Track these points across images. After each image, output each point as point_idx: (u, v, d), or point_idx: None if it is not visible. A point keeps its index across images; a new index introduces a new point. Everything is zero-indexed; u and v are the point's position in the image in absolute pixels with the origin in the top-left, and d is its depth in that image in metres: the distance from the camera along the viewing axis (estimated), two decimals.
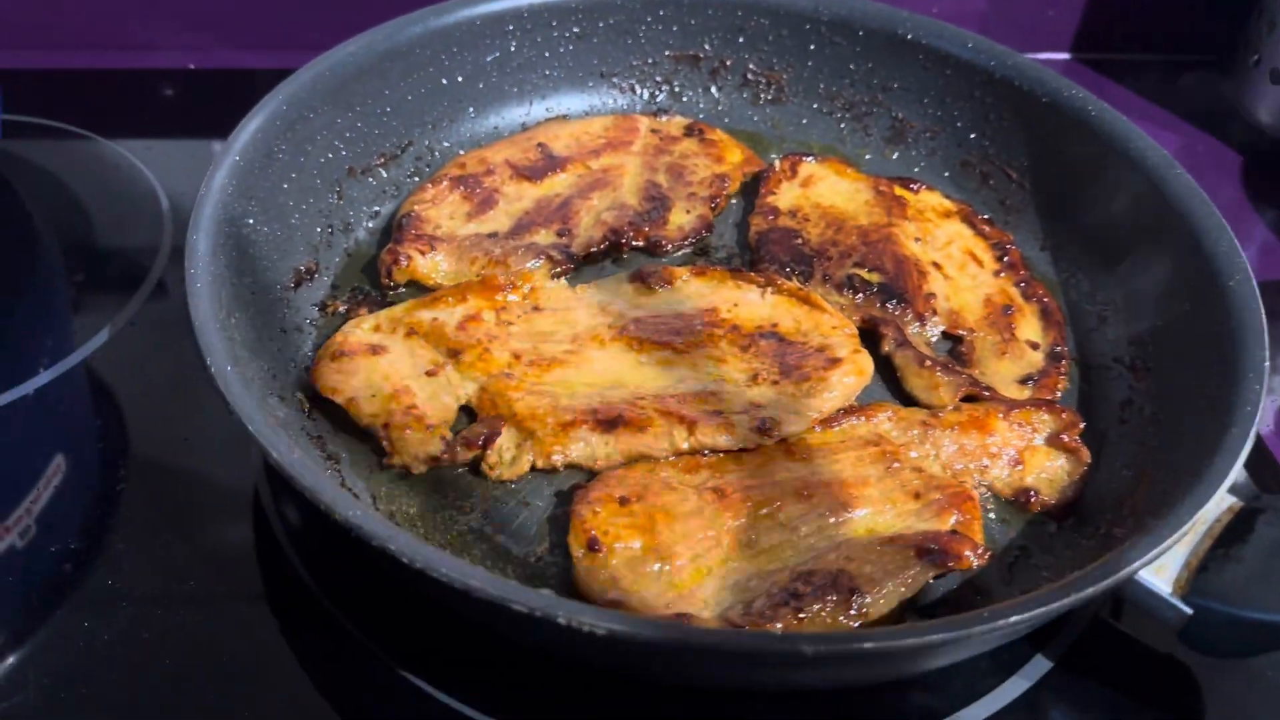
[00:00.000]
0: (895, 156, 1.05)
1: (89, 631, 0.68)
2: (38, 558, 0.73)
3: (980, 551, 0.68)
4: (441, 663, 0.67)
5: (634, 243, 0.92)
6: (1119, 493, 0.75)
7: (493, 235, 0.91)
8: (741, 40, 1.07)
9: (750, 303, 0.86)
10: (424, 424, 0.74)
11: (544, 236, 0.91)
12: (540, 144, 0.99)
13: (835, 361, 0.79)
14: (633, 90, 1.08)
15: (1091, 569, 0.60)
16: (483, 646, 0.67)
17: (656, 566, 0.68)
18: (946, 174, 1.03)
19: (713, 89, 1.09)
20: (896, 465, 0.74)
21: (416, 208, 0.91)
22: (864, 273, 0.88)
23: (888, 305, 0.86)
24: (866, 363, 0.80)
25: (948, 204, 0.97)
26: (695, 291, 0.87)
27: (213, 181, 0.78)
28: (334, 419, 0.77)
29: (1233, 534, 0.66)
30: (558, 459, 0.74)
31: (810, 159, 1.00)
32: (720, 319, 0.84)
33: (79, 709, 0.65)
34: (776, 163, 0.99)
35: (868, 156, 1.05)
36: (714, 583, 0.68)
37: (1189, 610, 0.64)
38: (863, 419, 0.77)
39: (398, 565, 0.57)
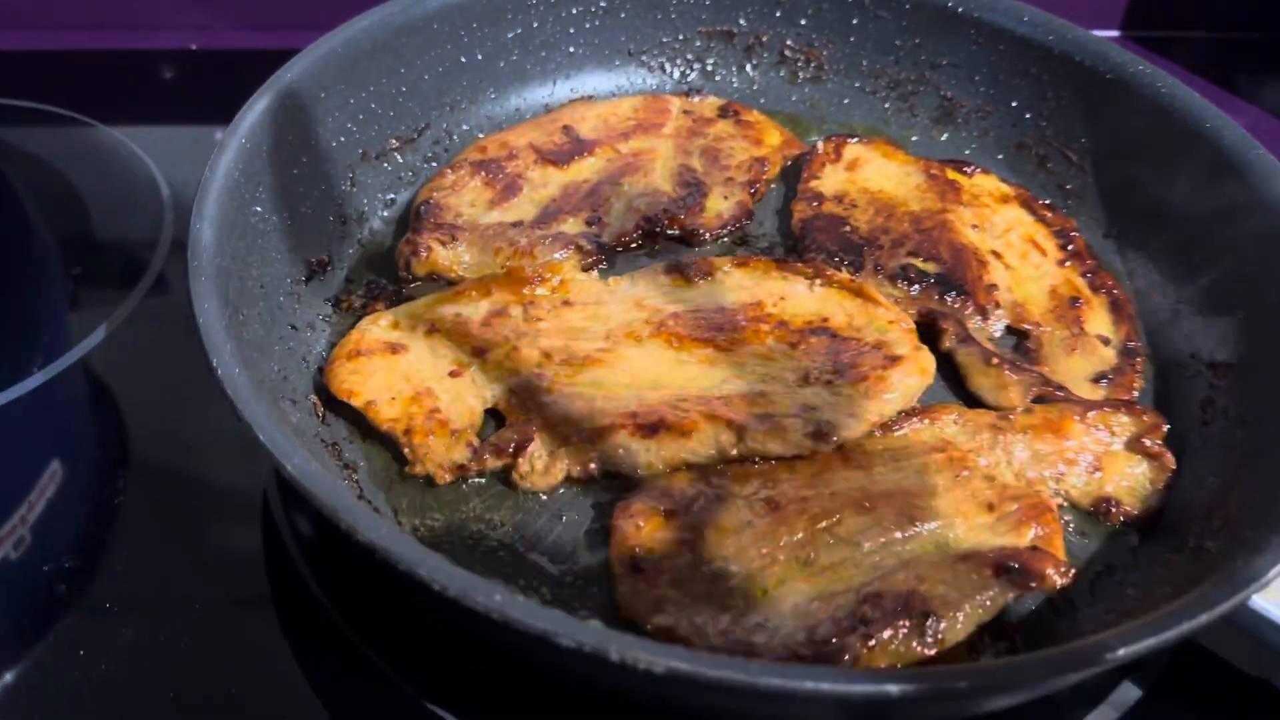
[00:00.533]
0: (944, 138, 0.98)
1: (84, 655, 0.63)
2: (32, 571, 0.67)
3: (1064, 569, 0.62)
4: (469, 695, 0.61)
5: (669, 231, 0.86)
6: (1207, 502, 0.69)
7: (518, 224, 0.84)
8: (779, 14, 1.00)
9: (798, 295, 0.79)
10: (448, 429, 0.68)
11: (572, 225, 0.85)
12: (566, 126, 0.93)
13: (894, 360, 0.73)
14: (662, 69, 1.01)
15: (1201, 592, 0.54)
16: (516, 674, 0.61)
17: (706, 588, 0.62)
18: (1000, 156, 0.96)
19: (747, 67, 1.02)
20: (966, 473, 0.68)
21: (435, 195, 0.85)
22: (919, 262, 0.82)
23: (946, 298, 0.80)
24: (929, 361, 0.74)
25: (1005, 188, 0.91)
26: (737, 284, 0.80)
27: (217, 166, 0.72)
28: (351, 424, 0.71)
29: None
30: (595, 467, 0.68)
31: (855, 140, 0.93)
32: (766, 313, 0.77)
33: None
34: (819, 145, 0.93)
35: (914, 138, 0.98)
36: (771, 606, 0.61)
37: None
38: (926, 422, 0.71)
39: (428, 592, 0.50)
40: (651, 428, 0.68)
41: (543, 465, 0.68)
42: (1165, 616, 0.52)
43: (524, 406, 0.70)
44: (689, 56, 1.01)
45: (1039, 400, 0.73)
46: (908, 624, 0.59)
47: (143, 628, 0.64)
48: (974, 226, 0.86)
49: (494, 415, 0.72)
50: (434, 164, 0.91)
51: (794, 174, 0.92)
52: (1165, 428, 0.72)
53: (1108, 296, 0.82)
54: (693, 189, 0.89)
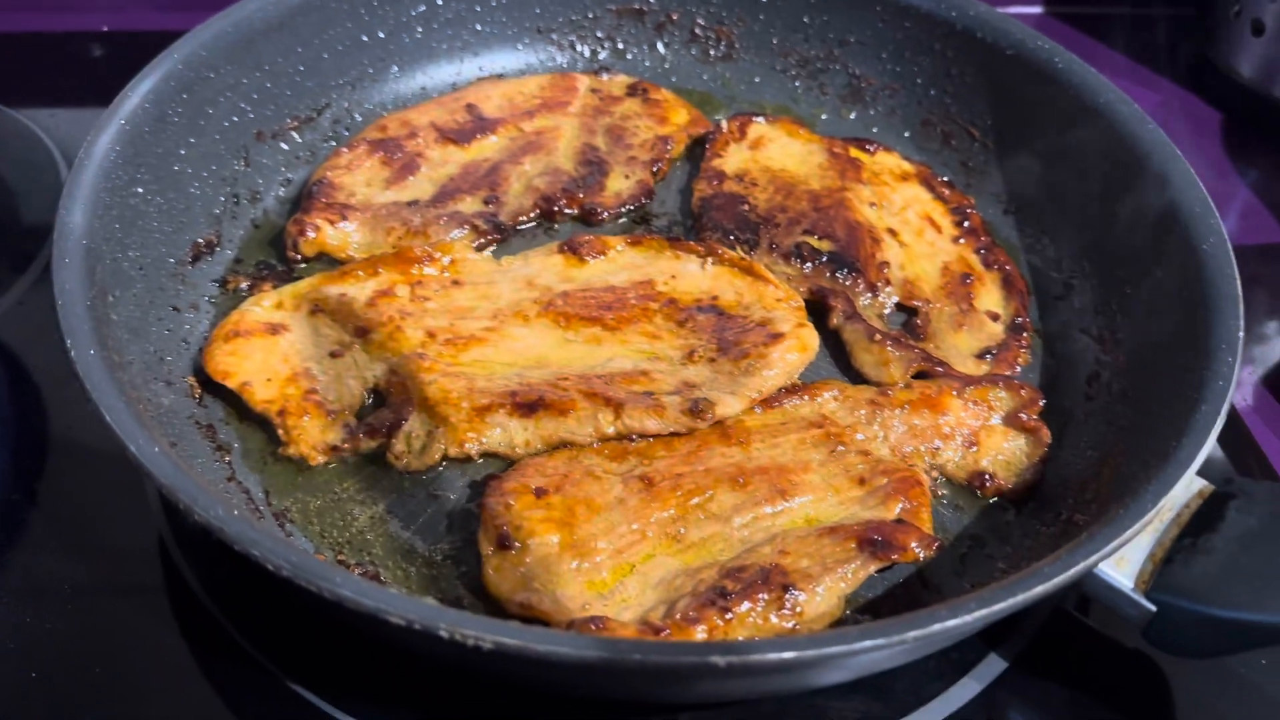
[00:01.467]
0: (853, 116, 0.98)
1: None
2: None
3: (928, 542, 0.62)
4: (330, 674, 0.61)
5: (567, 210, 0.86)
6: (1083, 476, 0.70)
7: (413, 203, 0.84)
8: None
9: (689, 274, 0.79)
10: (324, 410, 0.68)
11: (469, 204, 0.84)
12: (470, 105, 0.92)
13: (777, 337, 0.73)
14: (572, 47, 1.01)
15: (1043, 564, 0.54)
16: (376, 653, 0.61)
17: (574, 564, 0.62)
18: (907, 134, 0.96)
19: (659, 46, 1.01)
20: (841, 449, 0.68)
21: (329, 174, 0.84)
22: (813, 240, 0.82)
23: (838, 275, 0.80)
24: (811, 337, 0.74)
25: (906, 166, 0.91)
26: (630, 262, 0.80)
27: (93, 148, 0.71)
28: (229, 406, 0.71)
29: (1202, 522, 0.60)
30: (472, 447, 0.67)
31: (760, 119, 0.93)
32: (656, 292, 0.77)
33: None
34: (724, 123, 0.93)
35: (824, 116, 0.98)
36: (637, 581, 0.62)
37: (1152, 607, 0.58)
38: (806, 398, 0.71)
39: (264, 571, 0.50)
40: (530, 406, 0.68)
41: (420, 445, 0.68)
42: (1000, 589, 0.52)
43: (404, 387, 0.70)
44: (599, 34, 1.01)
45: (920, 376, 0.73)
46: (766, 596, 0.59)
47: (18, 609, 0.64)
48: (871, 205, 0.86)
49: (377, 396, 0.72)
50: (334, 143, 0.91)
51: (700, 153, 0.92)
52: (1043, 402, 0.72)
53: (1000, 273, 0.82)
54: (594, 168, 0.88)
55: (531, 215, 0.85)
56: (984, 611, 0.50)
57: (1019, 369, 0.76)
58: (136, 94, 0.76)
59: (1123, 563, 0.59)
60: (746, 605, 0.59)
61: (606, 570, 0.62)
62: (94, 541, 0.68)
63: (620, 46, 1.01)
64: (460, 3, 0.96)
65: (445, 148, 0.89)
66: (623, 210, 0.87)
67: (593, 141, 0.91)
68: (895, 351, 0.73)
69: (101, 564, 0.67)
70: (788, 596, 0.59)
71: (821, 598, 0.60)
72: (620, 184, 0.88)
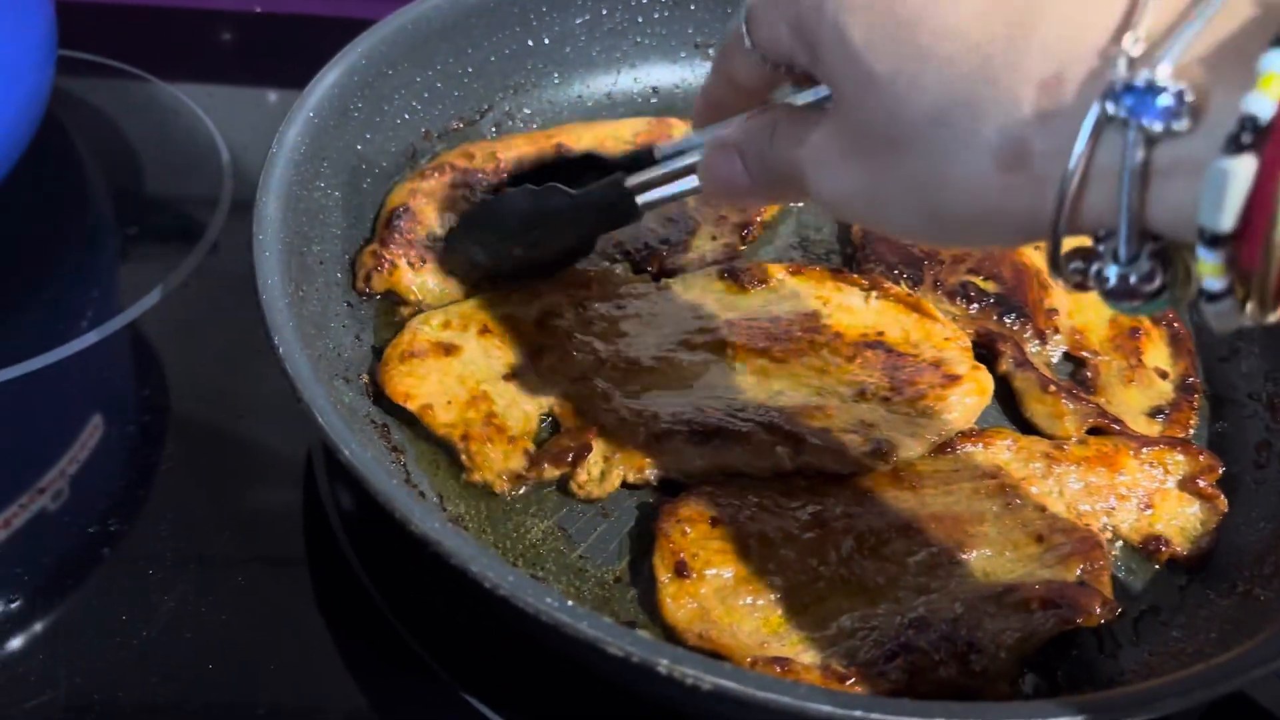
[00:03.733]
0: None
1: (121, 616, 0.64)
2: (70, 523, 0.68)
3: (1111, 607, 0.61)
4: (508, 687, 0.62)
5: (646, 269, 0.81)
6: (1258, 548, 0.68)
7: None
8: None
9: (853, 307, 0.79)
10: (506, 436, 0.68)
11: None
12: (559, 144, 0.88)
13: (953, 379, 0.72)
14: None
15: (1258, 642, 0.53)
16: (555, 670, 0.61)
17: (749, 599, 0.61)
18: None
19: None
20: (1018, 502, 0.67)
21: (411, 202, 0.79)
22: (979, 280, 0.81)
23: (1005, 319, 0.78)
24: (987, 380, 0.73)
25: None
26: (792, 292, 0.80)
27: (285, 139, 0.72)
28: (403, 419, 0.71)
29: None
30: (650, 474, 0.67)
31: None
32: (821, 325, 0.77)
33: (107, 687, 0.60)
34: None
35: None
36: (813, 623, 0.61)
37: None
38: (980, 446, 0.70)
39: (478, 589, 0.50)
40: (707, 435, 0.68)
41: (599, 472, 0.67)
42: (1217, 668, 0.51)
43: (579, 412, 0.69)
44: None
45: (1094, 431, 0.72)
46: (951, 653, 0.58)
47: (185, 595, 0.65)
48: (1037, 247, 0.84)
49: (552, 422, 0.71)
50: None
51: None
52: (1221, 470, 0.71)
53: (1168, 329, 0.81)
54: (679, 225, 0.83)
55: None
56: (1208, 691, 0.49)
57: (1190, 431, 0.75)
58: (323, 86, 0.76)
59: None
60: (931, 661, 0.58)
61: (782, 609, 0.62)
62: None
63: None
64: (623, 15, 0.96)
65: None
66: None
67: None
68: (1071, 404, 0.72)
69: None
70: (973, 656, 0.58)
71: (1005, 657, 0.59)
72: (706, 245, 0.84)
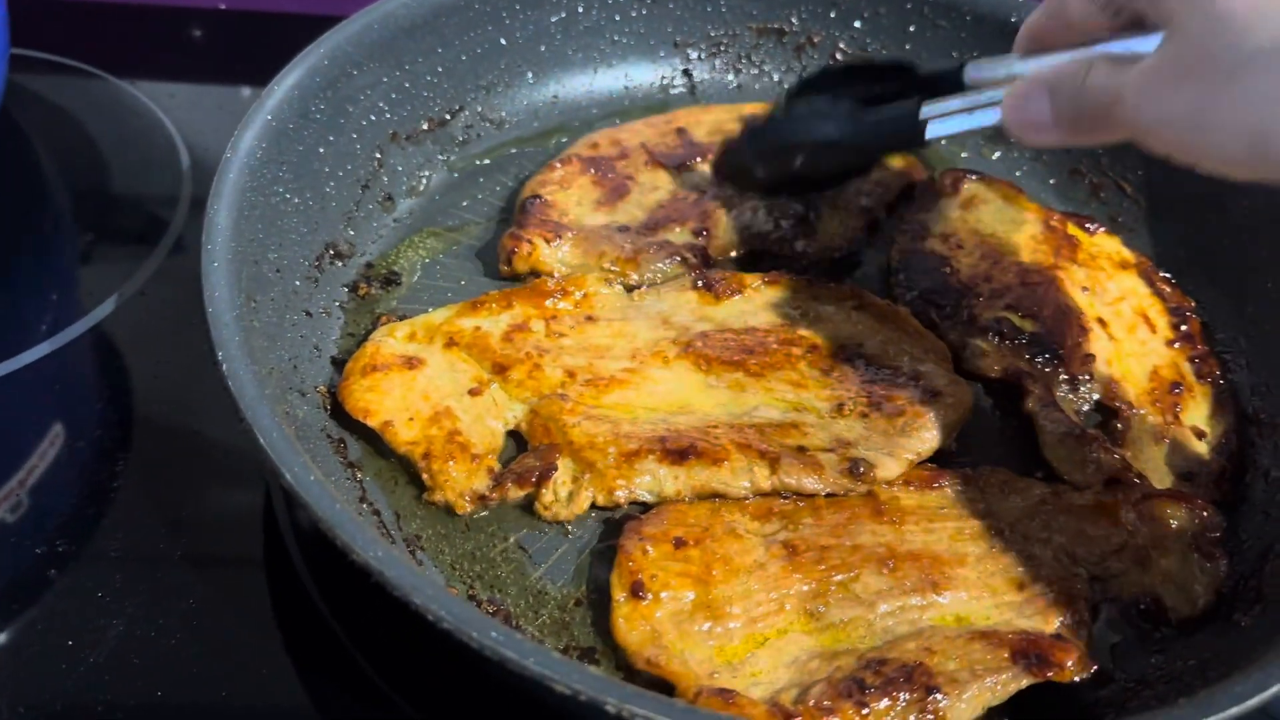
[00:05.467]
0: (996, 156, 0.94)
1: (71, 637, 0.62)
2: (18, 544, 0.66)
3: (1086, 664, 0.58)
4: (460, 708, 0.60)
5: (775, 252, 0.82)
6: (1241, 571, 0.66)
7: (624, 229, 0.81)
8: (833, 15, 0.96)
9: (830, 318, 0.76)
10: (469, 454, 0.65)
11: (679, 234, 0.81)
12: (680, 129, 0.89)
13: (932, 394, 0.70)
14: (711, 64, 0.98)
15: (1245, 675, 0.51)
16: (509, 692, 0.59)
17: (706, 626, 0.59)
18: (1052, 181, 0.92)
19: (797, 68, 0.98)
20: (1003, 546, 0.64)
21: (543, 190, 0.82)
22: (1015, 317, 0.76)
23: (1037, 360, 0.74)
24: (966, 395, 0.70)
25: (1126, 253, 0.84)
26: (767, 302, 0.77)
27: (240, 144, 0.69)
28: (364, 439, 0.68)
29: None
30: (621, 494, 0.65)
31: (974, 177, 0.87)
32: (798, 336, 0.74)
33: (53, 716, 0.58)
34: (936, 175, 0.88)
35: (964, 155, 0.94)
36: (769, 655, 0.59)
37: None
38: (970, 486, 0.67)
39: (422, 620, 0.48)
40: (681, 454, 0.65)
41: (567, 493, 0.65)
42: (1202, 702, 0.49)
43: (547, 429, 0.67)
44: (737, 52, 0.98)
45: (1110, 483, 0.67)
46: (908, 696, 0.56)
47: (135, 617, 0.63)
48: (1084, 289, 0.80)
49: (514, 437, 0.69)
50: (466, 147, 0.89)
51: (903, 201, 0.87)
52: (1224, 528, 0.66)
53: (1213, 386, 0.76)
54: (806, 209, 0.84)
55: (740, 251, 0.82)
56: None
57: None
58: (283, 88, 0.74)
59: None
60: (885, 702, 0.55)
61: (738, 638, 0.59)
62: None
63: (758, 64, 0.98)
64: (600, 12, 0.93)
65: (655, 172, 0.86)
66: (831, 257, 0.83)
67: None
68: (1094, 454, 0.68)
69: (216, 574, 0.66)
70: (930, 699, 0.56)
71: (966, 706, 0.56)
72: (833, 229, 0.84)
